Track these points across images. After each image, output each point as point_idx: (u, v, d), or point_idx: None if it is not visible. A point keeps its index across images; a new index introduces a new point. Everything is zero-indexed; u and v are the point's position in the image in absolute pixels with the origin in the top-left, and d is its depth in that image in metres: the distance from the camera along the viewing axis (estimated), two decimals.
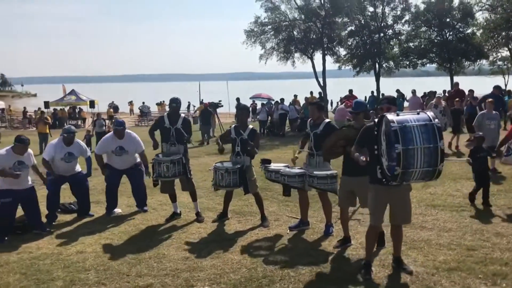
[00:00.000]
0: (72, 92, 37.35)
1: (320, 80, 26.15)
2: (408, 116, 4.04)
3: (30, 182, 6.52)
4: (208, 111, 19.82)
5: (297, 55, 27.35)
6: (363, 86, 37.13)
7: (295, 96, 24.15)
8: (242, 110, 6.67)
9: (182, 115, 7.08)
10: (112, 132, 7.44)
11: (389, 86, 29.86)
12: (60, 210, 7.53)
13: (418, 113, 4.10)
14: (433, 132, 3.92)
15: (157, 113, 38.85)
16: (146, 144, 7.45)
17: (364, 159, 4.43)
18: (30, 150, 6.52)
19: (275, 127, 20.83)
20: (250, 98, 30.63)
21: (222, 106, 21.45)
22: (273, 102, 23.49)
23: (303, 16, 26.16)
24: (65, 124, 33.79)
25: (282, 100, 21.35)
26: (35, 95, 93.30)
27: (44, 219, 6.89)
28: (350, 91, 20.55)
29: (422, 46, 29.64)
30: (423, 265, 4.84)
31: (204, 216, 6.99)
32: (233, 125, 6.69)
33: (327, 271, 4.84)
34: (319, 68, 26.46)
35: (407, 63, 30.32)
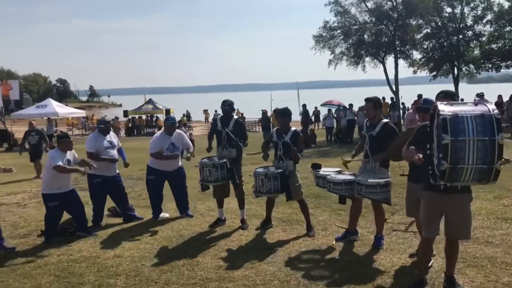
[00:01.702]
0: (150, 101, 38.87)
1: (393, 86, 25.05)
2: (462, 107, 3.48)
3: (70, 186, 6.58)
4: (267, 117, 19.99)
5: (367, 59, 26.39)
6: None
7: (383, 99, 23.28)
8: (280, 115, 6.28)
9: (235, 117, 6.81)
10: (162, 130, 7.41)
11: (470, 92, 27.98)
12: (111, 214, 7.58)
13: (475, 104, 3.54)
14: (491, 124, 3.34)
15: None
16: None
17: (420, 156, 3.85)
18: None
19: (343, 134, 20.17)
20: (321, 105, 30.08)
21: None
22: (342, 108, 22.82)
23: (374, 19, 25.25)
24: (142, 132, 35.37)
25: (351, 106, 20.62)
26: (120, 105, 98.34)
27: (90, 223, 6.94)
28: (419, 95, 19.43)
29: (507, 47, 27.40)
30: (481, 286, 4.19)
31: (249, 223, 6.70)
32: (275, 128, 6.36)
33: None
34: (391, 75, 25.38)
35: (490, 66, 28.19)
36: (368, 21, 25.80)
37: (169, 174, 7.22)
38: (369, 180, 5.27)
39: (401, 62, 26.17)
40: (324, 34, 25.81)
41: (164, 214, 7.38)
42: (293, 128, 6.15)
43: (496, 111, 3.40)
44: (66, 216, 6.62)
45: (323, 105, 29.39)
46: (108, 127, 7.30)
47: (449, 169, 3.33)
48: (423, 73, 29.56)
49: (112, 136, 7.28)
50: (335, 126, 21.51)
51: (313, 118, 26.72)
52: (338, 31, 25.75)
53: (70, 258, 5.54)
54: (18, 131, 30.97)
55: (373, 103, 5.55)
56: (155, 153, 7.07)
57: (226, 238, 6.15)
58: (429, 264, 4.62)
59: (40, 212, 8.15)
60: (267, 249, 5.58)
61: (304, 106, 23.49)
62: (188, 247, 5.78)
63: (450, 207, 3.92)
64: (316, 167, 6.00)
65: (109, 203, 7.46)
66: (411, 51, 26.73)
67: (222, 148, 6.53)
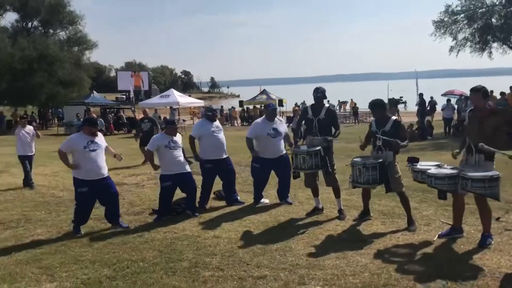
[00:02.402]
0: (263, 92, 39.74)
1: None
2: None
3: (188, 167, 6.97)
4: None
5: (495, 45, 24.13)
6: None
7: (491, 92, 21.24)
8: (372, 108, 6.04)
9: (327, 105, 6.72)
10: (263, 116, 7.55)
11: None
12: (216, 197, 7.95)
13: None
14: None
15: (341, 112, 38.85)
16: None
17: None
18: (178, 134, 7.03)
19: (463, 126, 18.73)
20: (442, 95, 28.31)
21: (403, 102, 20.36)
22: (463, 98, 21.18)
23: (504, 1, 22.95)
24: None
25: None
26: (238, 96, 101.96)
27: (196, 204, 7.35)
28: None
29: None
30: None
31: (348, 214, 6.59)
32: (374, 118, 6.13)
33: None
34: None
35: None
36: (497, 3, 23.52)
37: (273, 161, 7.31)
38: (476, 174, 4.86)
39: None
40: (445, 19, 24.09)
41: (264, 200, 7.55)
42: (393, 118, 5.90)
43: None
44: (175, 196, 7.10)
45: (444, 95, 27.59)
46: (214, 114, 7.69)
47: None
48: None
49: (218, 123, 7.63)
50: (455, 117, 20.08)
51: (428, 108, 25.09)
52: (462, 15, 23.85)
53: (174, 236, 5.94)
54: None
55: (482, 93, 5.15)
56: (248, 137, 7.33)
57: (322, 227, 6.12)
58: None
59: (155, 192, 8.82)
60: (362, 241, 5.45)
61: (421, 95, 22.29)
62: (283, 233, 5.86)
63: None
64: (412, 161, 5.67)
65: (214, 187, 7.83)
66: None
67: (313, 137, 6.48)
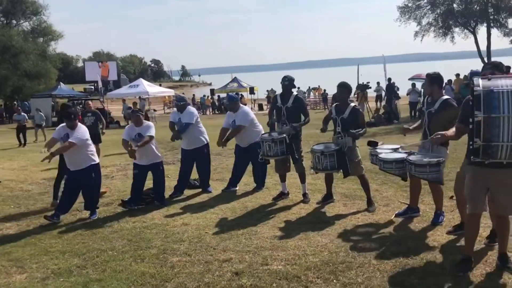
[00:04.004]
0: (235, 79, 39.85)
1: (486, 59, 23.37)
2: (500, 81, 3.35)
3: (157, 159, 7.08)
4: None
5: (457, 30, 24.87)
6: None
7: (457, 75, 21.82)
8: (340, 88, 6.25)
9: (295, 93, 6.90)
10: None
11: None
12: (188, 186, 8.09)
13: None
14: None
15: (312, 98, 39.27)
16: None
17: (437, 136, 3.82)
18: (149, 123, 7.13)
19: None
20: (409, 79, 28.98)
21: (370, 88, 20.77)
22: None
23: None
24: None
25: None
26: (210, 84, 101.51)
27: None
28: (508, 68, 17.86)
29: None
30: None
31: (312, 198, 6.86)
32: (334, 104, 6.38)
33: (416, 263, 4.33)
34: (484, 46, 23.59)
35: None
36: None
37: (246, 150, 7.59)
38: (418, 159, 5.12)
39: (494, 31, 24.28)
40: (409, 5, 24.67)
41: (233, 188, 7.76)
42: (352, 104, 6.15)
43: None
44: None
45: (411, 79, 28.25)
46: (182, 105, 7.78)
47: (483, 146, 3.29)
48: None
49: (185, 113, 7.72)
50: (421, 101, 20.62)
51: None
52: (425, 0, 24.44)
53: (143, 225, 6.08)
54: (115, 109, 33.42)
55: (429, 78, 5.33)
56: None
57: (287, 210, 6.38)
58: (493, 242, 4.49)
59: (124, 183, 8.93)
60: (324, 222, 5.72)
61: (389, 80, 22.79)
62: (249, 218, 6.09)
63: (495, 182, 3.80)
64: (372, 144, 5.92)
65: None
66: (506, 20, 24.66)
67: (282, 124, 6.69)
